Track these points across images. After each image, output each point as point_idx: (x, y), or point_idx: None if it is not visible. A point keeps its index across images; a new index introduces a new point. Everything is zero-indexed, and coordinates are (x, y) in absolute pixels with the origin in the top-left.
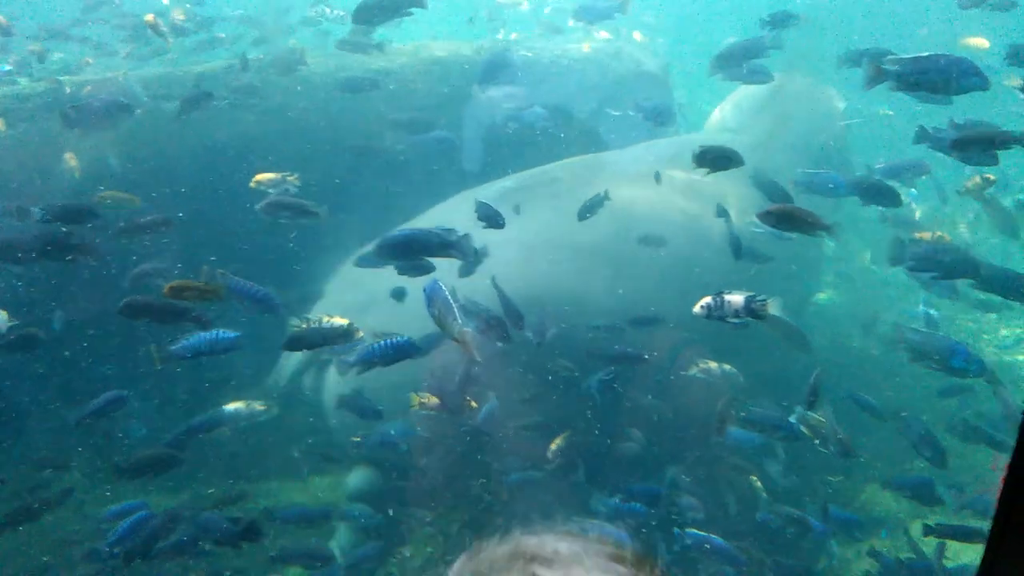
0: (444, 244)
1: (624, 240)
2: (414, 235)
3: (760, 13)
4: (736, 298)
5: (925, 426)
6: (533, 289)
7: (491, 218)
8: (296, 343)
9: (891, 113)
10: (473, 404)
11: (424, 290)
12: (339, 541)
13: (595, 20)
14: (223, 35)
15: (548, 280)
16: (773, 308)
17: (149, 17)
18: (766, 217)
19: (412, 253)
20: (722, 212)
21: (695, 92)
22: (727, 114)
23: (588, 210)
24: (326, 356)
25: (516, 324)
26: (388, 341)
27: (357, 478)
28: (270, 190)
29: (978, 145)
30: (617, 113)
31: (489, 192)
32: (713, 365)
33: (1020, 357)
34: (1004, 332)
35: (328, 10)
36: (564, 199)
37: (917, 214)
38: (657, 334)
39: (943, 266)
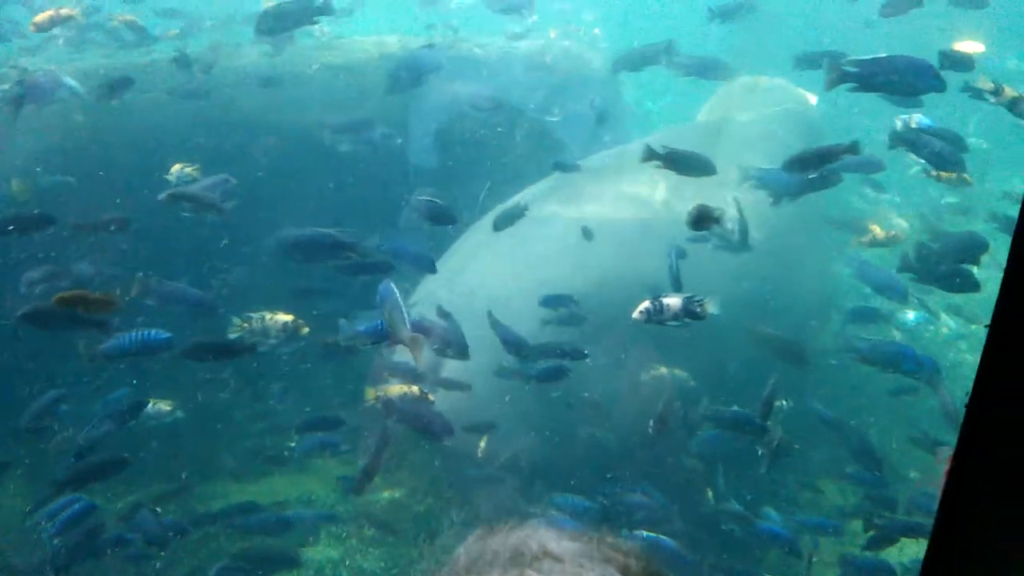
0: (340, 245)
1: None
2: (309, 236)
3: (701, 11)
4: (674, 300)
5: (863, 436)
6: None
7: (440, 215)
8: (197, 352)
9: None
10: (431, 397)
11: (378, 291)
12: None
13: (506, 12)
14: (175, 31)
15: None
16: (711, 308)
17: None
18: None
19: (308, 254)
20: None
21: (640, 90)
22: (713, 108)
23: (507, 220)
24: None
25: (462, 354)
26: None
27: None
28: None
29: (810, 164)
30: (555, 118)
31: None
32: (663, 370)
33: (967, 356)
34: (945, 329)
35: None
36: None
37: (904, 223)
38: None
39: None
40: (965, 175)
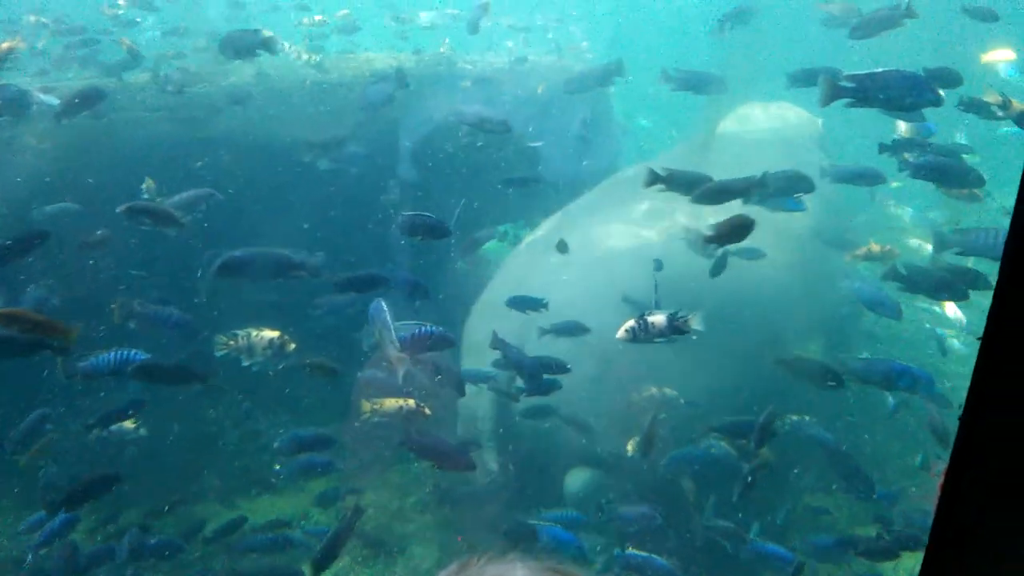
0: (289, 265)
1: None
2: (257, 255)
3: (691, 26)
4: (659, 318)
5: (853, 460)
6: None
7: (432, 230)
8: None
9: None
10: (427, 411)
11: (368, 310)
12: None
13: (474, 28)
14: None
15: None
16: (695, 324)
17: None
18: (713, 239)
19: (256, 273)
20: (658, 266)
21: (632, 106)
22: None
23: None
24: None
25: (460, 390)
26: (429, 328)
27: (576, 480)
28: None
29: (719, 197)
30: (537, 144)
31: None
32: (653, 390)
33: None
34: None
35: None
36: None
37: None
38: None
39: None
40: (976, 191)
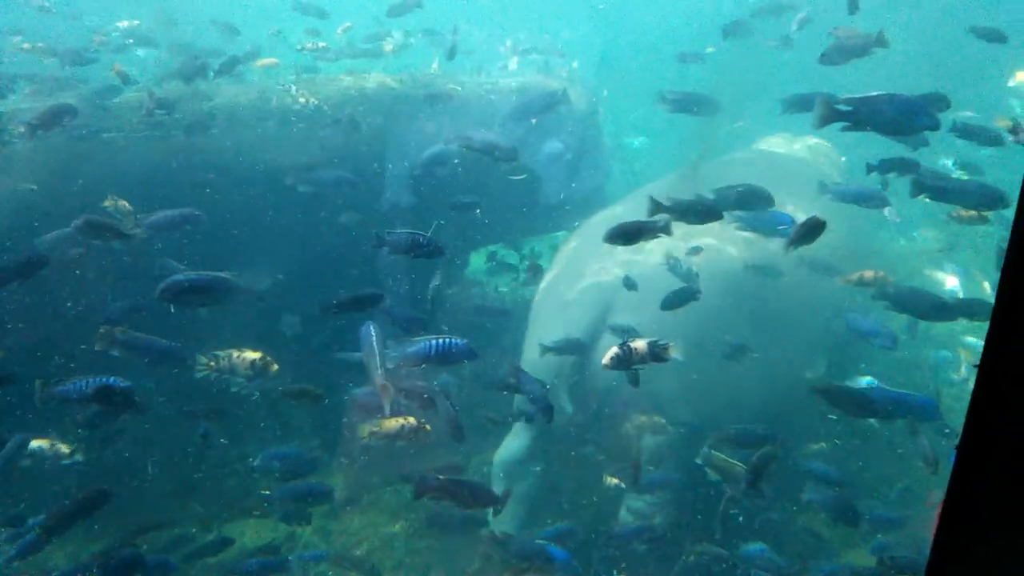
0: (231, 289)
1: None
2: (197, 279)
3: (675, 46)
4: (641, 344)
5: (841, 496)
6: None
7: (425, 249)
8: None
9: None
10: (427, 427)
11: (359, 334)
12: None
13: (451, 53)
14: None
15: None
16: (674, 353)
17: None
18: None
19: (198, 297)
20: (630, 285)
21: (618, 125)
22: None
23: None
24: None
25: (457, 434)
26: (448, 341)
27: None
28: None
29: (629, 236)
30: (520, 177)
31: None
32: (643, 419)
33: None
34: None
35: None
36: None
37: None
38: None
39: None
40: (986, 213)
